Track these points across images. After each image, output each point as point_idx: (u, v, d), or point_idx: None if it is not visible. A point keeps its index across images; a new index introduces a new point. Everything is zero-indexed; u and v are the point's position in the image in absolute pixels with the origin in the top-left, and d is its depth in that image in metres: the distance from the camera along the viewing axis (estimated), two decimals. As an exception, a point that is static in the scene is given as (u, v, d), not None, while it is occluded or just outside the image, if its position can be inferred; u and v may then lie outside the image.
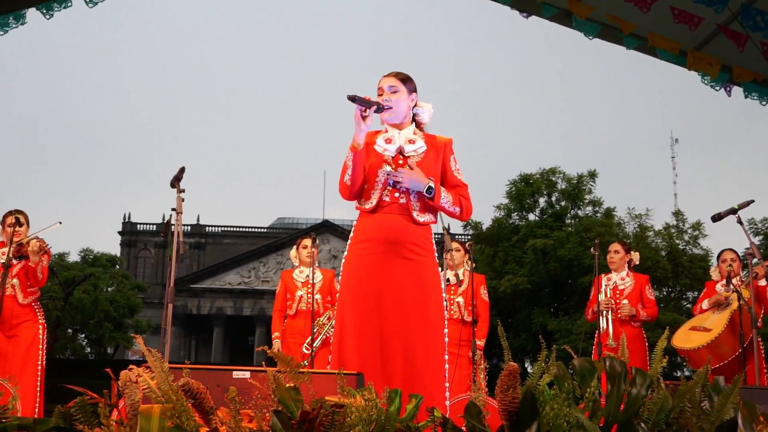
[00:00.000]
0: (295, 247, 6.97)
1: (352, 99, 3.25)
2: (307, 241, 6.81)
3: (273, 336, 6.74)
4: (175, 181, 4.37)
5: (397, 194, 3.45)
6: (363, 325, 3.35)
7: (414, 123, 3.63)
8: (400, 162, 3.49)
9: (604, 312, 6.41)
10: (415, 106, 3.64)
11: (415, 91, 3.60)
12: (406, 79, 3.56)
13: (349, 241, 3.56)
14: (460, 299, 6.41)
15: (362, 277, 3.41)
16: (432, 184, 3.43)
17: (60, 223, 5.81)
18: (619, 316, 6.40)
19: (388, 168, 3.44)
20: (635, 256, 6.71)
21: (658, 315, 6.58)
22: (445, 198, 3.49)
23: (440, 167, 3.57)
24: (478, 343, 6.49)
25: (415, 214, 3.45)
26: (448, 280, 6.41)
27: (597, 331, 6.36)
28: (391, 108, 3.48)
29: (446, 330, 3.49)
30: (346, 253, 3.55)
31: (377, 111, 3.39)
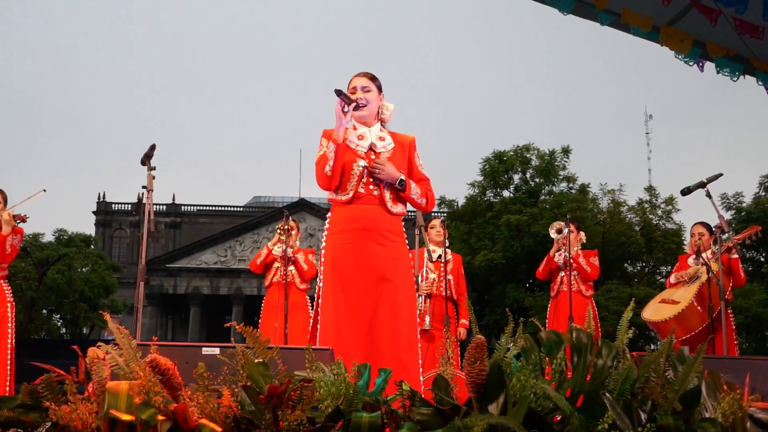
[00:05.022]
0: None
1: (338, 93, 3.50)
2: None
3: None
4: (146, 159, 4.33)
5: (371, 186, 3.68)
6: (352, 309, 3.53)
7: (379, 121, 3.86)
8: (372, 157, 3.70)
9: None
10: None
11: (381, 90, 3.86)
12: (374, 79, 3.83)
13: (326, 231, 3.74)
14: (450, 277, 6.55)
15: (345, 267, 3.61)
16: (403, 177, 3.69)
17: (44, 190, 5.79)
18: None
19: (363, 162, 3.66)
20: (582, 235, 7.26)
21: (596, 276, 7.03)
22: (414, 190, 3.75)
23: (407, 162, 3.83)
24: (465, 322, 6.69)
25: (389, 204, 3.69)
26: (439, 256, 6.51)
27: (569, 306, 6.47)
28: (365, 105, 3.74)
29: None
30: (323, 243, 3.75)
31: (355, 109, 3.64)
